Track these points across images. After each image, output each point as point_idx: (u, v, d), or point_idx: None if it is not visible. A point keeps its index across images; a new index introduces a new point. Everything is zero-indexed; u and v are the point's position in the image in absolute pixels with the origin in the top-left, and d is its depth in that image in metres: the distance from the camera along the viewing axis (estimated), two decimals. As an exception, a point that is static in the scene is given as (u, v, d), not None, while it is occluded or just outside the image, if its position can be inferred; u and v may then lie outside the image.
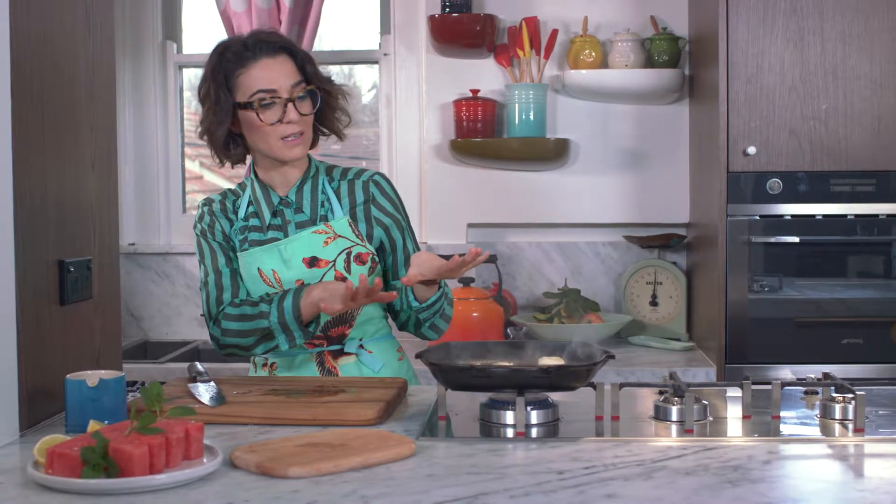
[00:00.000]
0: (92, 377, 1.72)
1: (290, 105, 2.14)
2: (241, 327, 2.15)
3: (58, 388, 1.81)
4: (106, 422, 1.65)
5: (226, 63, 2.16)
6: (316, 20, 3.60)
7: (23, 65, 1.80)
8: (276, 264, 2.18)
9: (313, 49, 3.61)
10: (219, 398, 1.89)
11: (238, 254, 2.21)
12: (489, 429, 1.76)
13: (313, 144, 2.28)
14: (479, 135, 3.48)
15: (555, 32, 3.47)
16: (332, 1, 3.71)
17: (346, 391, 1.94)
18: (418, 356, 1.84)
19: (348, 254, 2.19)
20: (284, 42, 2.19)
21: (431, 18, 3.46)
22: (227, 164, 2.28)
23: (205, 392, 1.92)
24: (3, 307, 1.73)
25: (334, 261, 2.18)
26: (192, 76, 3.92)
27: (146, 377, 3.13)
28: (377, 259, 2.23)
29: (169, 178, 3.87)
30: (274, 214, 2.23)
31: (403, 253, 2.26)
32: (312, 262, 2.18)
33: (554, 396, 1.84)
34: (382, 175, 2.30)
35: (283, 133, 2.15)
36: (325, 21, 3.64)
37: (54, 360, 1.90)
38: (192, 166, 3.97)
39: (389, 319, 2.33)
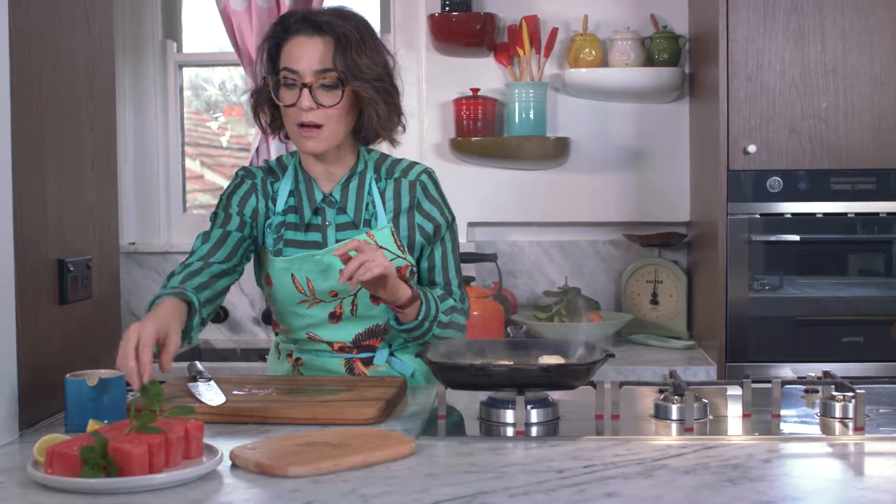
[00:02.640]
0: (91, 377, 1.72)
1: (304, 91, 2.00)
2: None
3: (57, 388, 1.81)
4: (105, 421, 1.64)
5: (274, 32, 2.08)
6: (316, 19, 3.59)
7: (22, 64, 1.80)
8: (311, 273, 2.07)
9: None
10: (218, 397, 1.89)
11: (270, 256, 2.10)
12: (489, 428, 1.76)
13: (368, 142, 2.14)
14: (480, 133, 3.47)
15: (555, 31, 3.47)
16: (331, 0, 3.70)
17: (346, 390, 1.94)
18: (418, 355, 1.83)
19: None
20: (332, 23, 2.02)
21: (431, 17, 3.46)
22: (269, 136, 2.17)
23: (204, 391, 1.91)
24: (3, 306, 1.73)
25: None
26: (193, 75, 3.91)
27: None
28: (415, 270, 2.15)
29: (169, 177, 3.87)
30: (315, 213, 2.12)
31: (428, 261, 2.16)
32: None
33: (554, 395, 1.84)
34: (429, 174, 2.17)
35: (297, 119, 2.03)
36: (325, 20, 3.63)
37: (54, 359, 1.89)
38: (192, 165, 3.97)
39: None
